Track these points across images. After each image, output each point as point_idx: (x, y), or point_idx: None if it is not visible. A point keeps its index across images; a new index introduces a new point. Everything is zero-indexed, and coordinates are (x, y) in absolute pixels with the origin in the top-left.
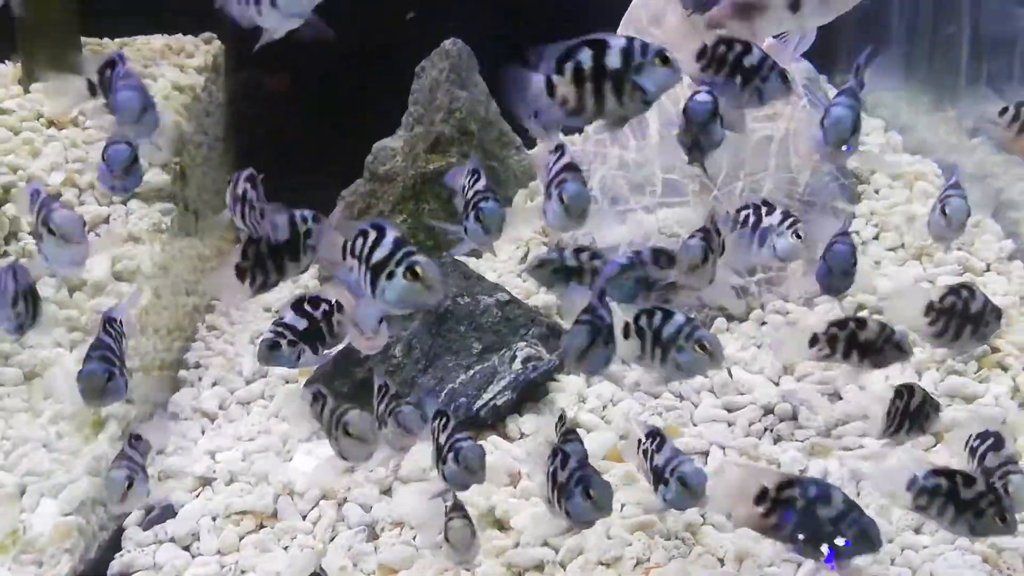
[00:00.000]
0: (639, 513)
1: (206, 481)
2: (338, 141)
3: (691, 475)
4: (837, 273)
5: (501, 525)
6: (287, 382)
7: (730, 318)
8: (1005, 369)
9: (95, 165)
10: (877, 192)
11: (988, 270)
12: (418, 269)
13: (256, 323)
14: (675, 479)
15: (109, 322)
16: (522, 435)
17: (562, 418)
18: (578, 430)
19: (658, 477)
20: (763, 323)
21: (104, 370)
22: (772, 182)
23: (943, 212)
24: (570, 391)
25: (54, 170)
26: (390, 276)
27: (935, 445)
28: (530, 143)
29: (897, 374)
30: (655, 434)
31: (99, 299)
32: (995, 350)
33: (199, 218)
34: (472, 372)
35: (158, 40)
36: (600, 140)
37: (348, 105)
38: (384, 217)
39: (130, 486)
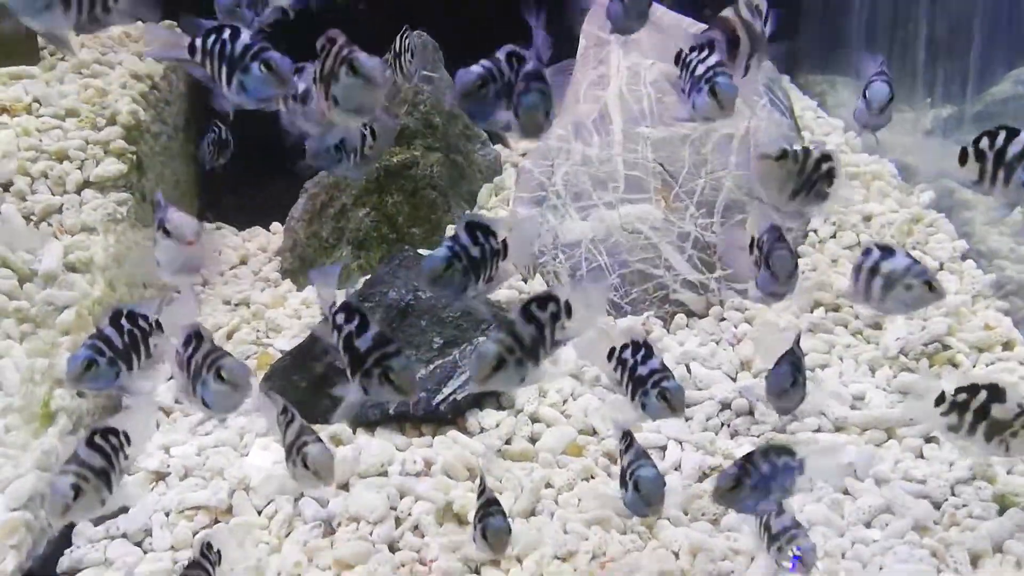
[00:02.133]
0: (597, 507)
1: (160, 476)
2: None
3: (646, 480)
4: (782, 279)
5: (459, 519)
6: None
7: (690, 314)
8: (956, 366)
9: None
10: None
11: (941, 269)
12: None
13: (215, 316)
14: (632, 483)
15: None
16: (482, 429)
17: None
18: (538, 424)
19: (621, 479)
20: (722, 319)
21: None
22: (732, 180)
23: (864, 96)
24: (530, 386)
25: (6, 158)
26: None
27: (887, 440)
28: (494, 137)
29: (851, 370)
30: (627, 435)
31: (50, 290)
32: (946, 347)
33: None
34: (432, 367)
35: (116, 27)
36: (563, 136)
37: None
38: (347, 210)
39: (77, 496)
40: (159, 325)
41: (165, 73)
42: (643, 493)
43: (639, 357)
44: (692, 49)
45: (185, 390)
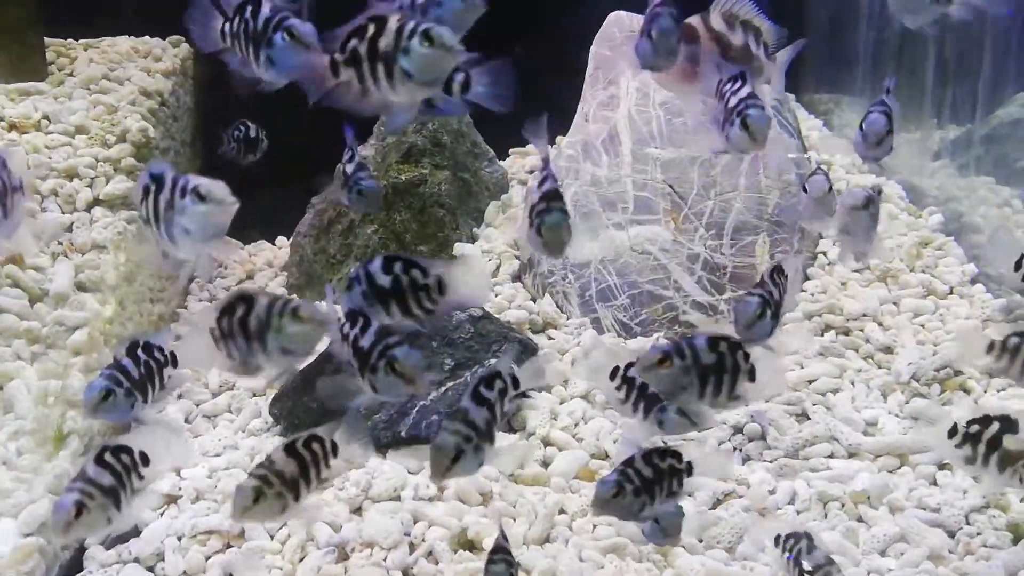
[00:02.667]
0: (612, 535)
1: (172, 499)
2: (309, 148)
3: (666, 511)
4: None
5: (472, 546)
6: (254, 395)
7: None
8: (967, 391)
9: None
10: None
11: (951, 293)
12: None
13: None
14: None
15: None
16: None
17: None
18: (550, 448)
19: None
20: None
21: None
22: (742, 202)
23: (860, 128)
24: (542, 409)
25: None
26: None
27: (900, 467)
28: (502, 154)
29: (863, 395)
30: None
31: (61, 311)
32: (958, 373)
33: None
34: (444, 389)
35: (125, 42)
36: (572, 156)
37: (321, 112)
38: (355, 227)
39: (79, 514)
40: (173, 357)
41: (174, 89)
42: (663, 523)
43: None
44: (727, 81)
45: (243, 353)
